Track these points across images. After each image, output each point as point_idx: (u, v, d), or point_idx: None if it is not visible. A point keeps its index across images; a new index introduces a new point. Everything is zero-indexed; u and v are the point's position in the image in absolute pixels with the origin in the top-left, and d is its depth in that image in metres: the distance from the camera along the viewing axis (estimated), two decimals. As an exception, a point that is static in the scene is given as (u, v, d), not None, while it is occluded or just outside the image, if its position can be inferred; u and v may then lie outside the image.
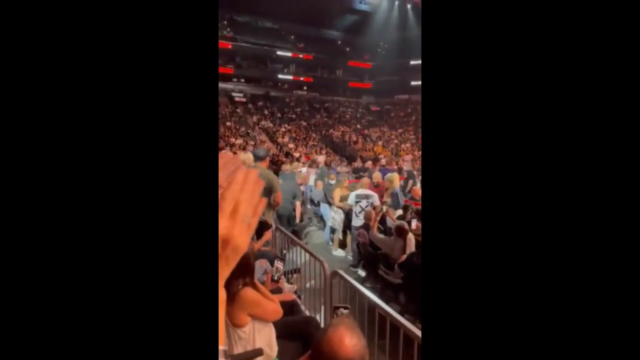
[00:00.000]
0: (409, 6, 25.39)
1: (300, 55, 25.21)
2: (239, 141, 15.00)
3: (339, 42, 28.06)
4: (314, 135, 19.94)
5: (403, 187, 5.95)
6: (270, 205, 3.32)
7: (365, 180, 5.51)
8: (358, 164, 10.09)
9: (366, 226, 4.12)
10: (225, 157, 0.47)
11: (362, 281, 3.78)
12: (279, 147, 16.83)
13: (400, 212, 4.91)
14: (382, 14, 26.12)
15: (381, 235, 3.97)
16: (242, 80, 23.57)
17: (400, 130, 22.55)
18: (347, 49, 27.84)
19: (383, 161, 9.38)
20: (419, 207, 4.58)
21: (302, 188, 5.47)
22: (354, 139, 20.53)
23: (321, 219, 6.17)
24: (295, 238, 3.66)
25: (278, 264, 2.36)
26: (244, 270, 1.71)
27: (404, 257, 3.41)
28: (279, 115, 21.57)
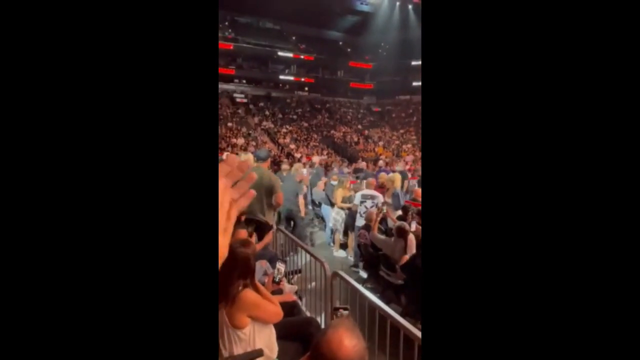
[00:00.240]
0: (410, 7, 25.38)
1: (302, 56, 25.22)
2: (241, 142, 15.02)
3: (340, 43, 28.08)
4: (315, 136, 19.95)
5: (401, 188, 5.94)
6: (271, 206, 3.32)
7: (371, 180, 5.51)
8: (359, 165, 10.11)
9: (367, 227, 4.11)
10: (229, 163, 0.47)
11: (362, 282, 3.78)
12: (280, 147, 16.84)
13: (399, 212, 4.91)
14: (383, 14, 26.11)
15: (382, 236, 3.96)
16: (244, 81, 23.59)
17: (401, 131, 22.54)
18: (349, 50, 27.85)
19: (380, 162, 9.38)
20: (419, 207, 4.57)
21: (304, 188, 5.41)
22: (355, 139, 20.53)
23: (322, 219, 6.16)
24: (295, 239, 3.66)
25: (279, 266, 2.35)
26: (244, 271, 1.70)
27: (406, 257, 3.41)
28: (280, 116, 21.59)
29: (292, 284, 3.05)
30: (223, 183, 0.45)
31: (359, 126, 23.33)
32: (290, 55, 25.01)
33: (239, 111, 20.73)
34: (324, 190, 6.24)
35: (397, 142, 20.58)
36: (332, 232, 5.51)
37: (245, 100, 22.34)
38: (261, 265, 2.53)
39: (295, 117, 22.16)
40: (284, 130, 19.64)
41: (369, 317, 2.29)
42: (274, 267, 2.71)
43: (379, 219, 4.04)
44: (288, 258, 3.67)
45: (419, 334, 1.76)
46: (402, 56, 24.88)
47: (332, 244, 5.53)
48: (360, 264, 4.46)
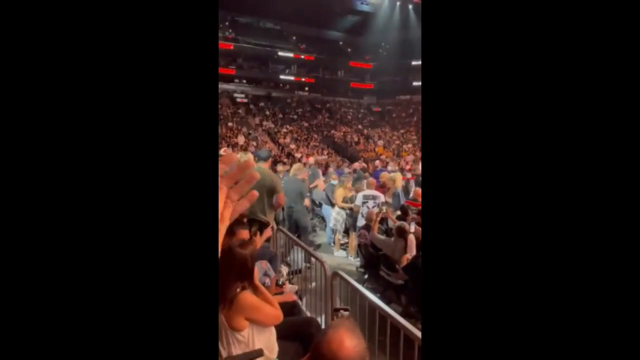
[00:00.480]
0: (410, 6, 25.37)
1: (302, 56, 25.22)
2: (241, 141, 15.02)
3: (341, 43, 28.08)
4: (315, 135, 19.95)
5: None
6: (272, 207, 3.31)
7: (371, 180, 5.50)
8: (354, 164, 10.14)
9: (367, 227, 4.11)
10: (226, 161, 0.47)
11: (363, 282, 3.77)
12: (280, 147, 16.84)
13: (398, 212, 4.90)
14: (383, 14, 26.11)
15: (382, 236, 3.96)
16: (244, 81, 23.60)
17: (402, 131, 22.53)
18: (349, 50, 27.85)
19: (377, 162, 9.38)
20: (419, 207, 4.57)
21: (307, 187, 5.32)
22: (356, 139, 20.52)
23: (322, 219, 6.16)
24: (295, 238, 3.66)
25: (283, 269, 2.33)
26: (242, 273, 1.67)
27: (407, 257, 3.40)
28: (280, 116, 21.59)
29: (292, 283, 3.05)
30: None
31: (359, 126, 23.32)
32: (291, 55, 25.00)
33: (239, 111, 20.73)
34: (324, 190, 6.23)
35: (397, 142, 20.58)
36: (333, 232, 5.51)
37: (245, 100, 22.35)
38: (261, 266, 2.52)
39: (295, 117, 22.16)
40: (284, 130, 19.64)
41: (369, 317, 2.29)
42: (274, 267, 2.71)
43: (378, 219, 4.04)
44: (288, 258, 3.67)
45: (419, 334, 1.76)
46: (402, 56, 24.88)
47: (332, 244, 5.52)
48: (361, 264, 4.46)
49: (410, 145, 19.06)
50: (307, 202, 4.72)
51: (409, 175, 7.17)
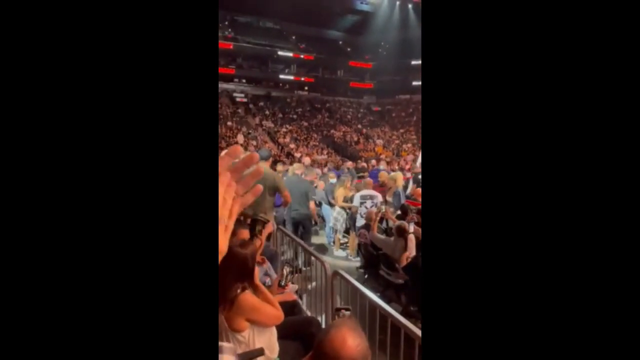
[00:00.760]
0: (410, 6, 25.37)
1: (302, 56, 25.23)
2: (241, 140, 15.03)
3: (340, 42, 28.08)
4: (315, 135, 19.96)
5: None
6: (272, 205, 3.32)
7: (368, 180, 5.51)
8: (347, 164, 10.14)
9: (367, 226, 4.12)
10: (232, 154, 0.47)
11: (363, 281, 3.78)
12: (280, 147, 16.84)
13: (398, 211, 4.91)
14: (383, 14, 26.12)
15: (381, 236, 3.96)
16: (244, 80, 23.60)
17: (401, 131, 22.54)
18: (348, 49, 27.86)
19: (373, 161, 9.39)
20: (418, 206, 4.58)
21: (314, 190, 5.15)
22: (355, 139, 20.53)
23: (322, 219, 6.16)
24: (295, 237, 3.66)
25: (285, 270, 2.32)
26: (242, 273, 1.66)
27: (407, 254, 3.41)
28: (280, 115, 21.60)
29: (292, 283, 3.05)
30: (226, 177, 0.44)
31: (359, 126, 23.33)
32: (290, 54, 25.01)
33: (239, 111, 20.73)
34: (323, 189, 6.23)
35: (397, 141, 20.59)
36: (333, 231, 5.52)
37: (245, 100, 22.35)
38: (262, 266, 2.52)
39: (295, 116, 22.17)
40: (284, 129, 19.65)
41: (369, 316, 2.29)
42: (274, 265, 2.71)
43: (378, 218, 4.04)
44: (286, 257, 3.67)
45: (419, 332, 1.76)
46: (402, 55, 24.89)
47: (332, 244, 5.53)
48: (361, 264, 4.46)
49: (409, 145, 19.08)
50: (312, 205, 4.48)
51: (408, 174, 7.18)
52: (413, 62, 24.66)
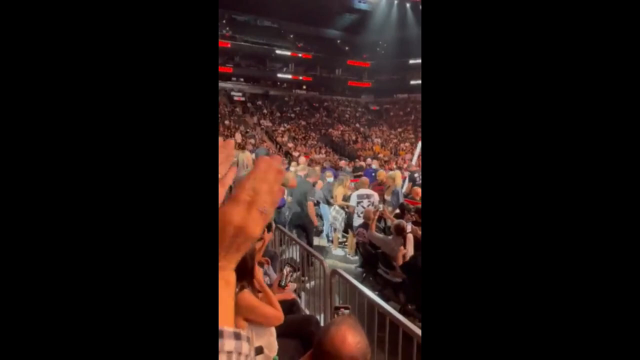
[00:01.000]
0: (408, 5, 25.34)
1: (300, 54, 25.16)
2: (238, 139, 14.97)
3: (338, 41, 28.02)
4: (313, 134, 19.93)
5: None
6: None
7: (364, 179, 5.51)
8: (342, 163, 10.14)
9: (365, 225, 4.12)
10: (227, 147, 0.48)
11: (361, 280, 3.79)
12: (278, 146, 16.81)
13: (396, 210, 4.92)
14: (381, 13, 26.06)
15: (380, 235, 3.97)
16: (241, 79, 23.52)
17: (399, 130, 22.53)
18: (346, 48, 27.80)
19: (369, 160, 9.39)
20: (417, 205, 4.59)
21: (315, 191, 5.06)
22: (354, 138, 20.51)
23: (320, 218, 6.16)
24: (294, 237, 3.66)
25: (286, 270, 2.32)
26: (241, 272, 1.66)
27: (404, 251, 3.41)
28: (278, 114, 21.55)
29: (291, 282, 3.05)
30: (277, 163, 0.45)
31: (357, 125, 23.31)
32: (288, 53, 24.94)
33: (237, 109, 20.66)
34: (321, 189, 6.22)
35: (395, 140, 20.58)
36: (332, 230, 5.51)
37: (242, 99, 22.27)
38: (264, 267, 2.52)
39: (293, 115, 22.11)
40: (282, 128, 19.61)
41: (368, 314, 2.30)
42: (274, 266, 2.71)
43: (376, 217, 4.05)
44: (284, 256, 3.67)
45: (418, 330, 1.77)
46: (400, 54, 24.86)
47: (330, 243, 5.53)
48: (360, 262, 4.47)
49: (407, 144, 19.06)
50: (310, 205, 4.45)
51: (407, 174, 7.18)
52: (411, 61, 24.64)
